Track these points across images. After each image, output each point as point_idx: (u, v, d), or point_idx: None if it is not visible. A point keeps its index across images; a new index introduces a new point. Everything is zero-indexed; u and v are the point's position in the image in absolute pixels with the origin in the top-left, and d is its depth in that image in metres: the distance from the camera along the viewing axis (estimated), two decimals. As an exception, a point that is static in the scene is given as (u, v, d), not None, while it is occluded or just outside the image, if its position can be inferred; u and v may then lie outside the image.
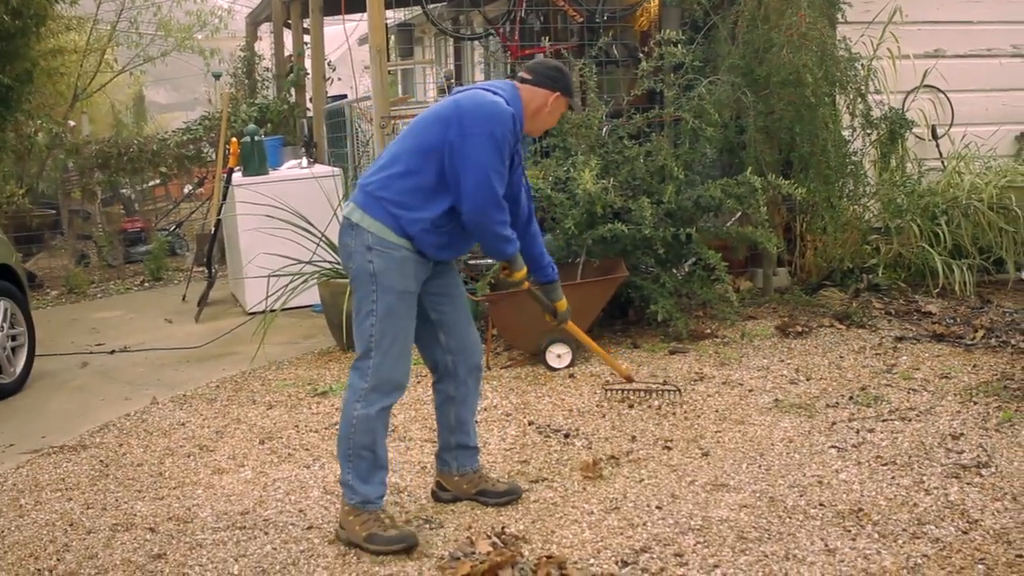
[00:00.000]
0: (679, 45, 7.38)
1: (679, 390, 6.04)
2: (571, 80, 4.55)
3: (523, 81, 4.46)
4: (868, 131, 8.11)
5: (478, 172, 4.15)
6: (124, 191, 14.49)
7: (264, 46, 15.40)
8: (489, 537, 4.32)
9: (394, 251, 4.22)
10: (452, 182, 4.20)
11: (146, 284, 12.04)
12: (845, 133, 7.94)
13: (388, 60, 9.78)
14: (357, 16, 12.48)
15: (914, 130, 8.43)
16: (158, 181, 14.72)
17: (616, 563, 4.05)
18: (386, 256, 4.22)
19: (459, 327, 4.62)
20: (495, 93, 4.31)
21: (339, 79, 12.73)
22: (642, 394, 6.09)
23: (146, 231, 13.95)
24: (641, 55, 8.24)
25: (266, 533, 4.61)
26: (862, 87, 7.93)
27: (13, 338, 7.48)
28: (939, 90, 8.97)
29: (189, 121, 13.91)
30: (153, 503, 5.09)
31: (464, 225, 4.29)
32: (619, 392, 6.14)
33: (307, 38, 12.65)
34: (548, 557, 4.04)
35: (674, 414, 5.81)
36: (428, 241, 4.27)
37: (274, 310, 7.60)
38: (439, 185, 4.22)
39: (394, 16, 13.98)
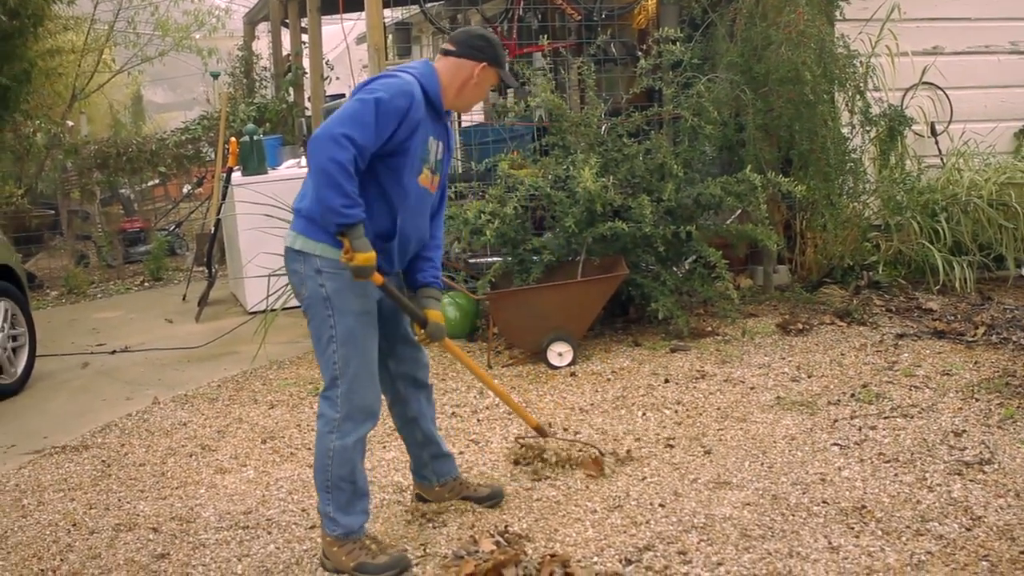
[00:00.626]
0: (678, 43, 7.38)
1: (600, 452, 5.10)
2: (500, 50, 4.24)
3: (447, 53, 4.20)
4: (867, 128, 8.10)
5: (343, 111, 3.86)
6: (123, 191, 14.48)
7: (262, 45, 15.40)
8: (492, 536, 4.31)
9: (344, 270, 3.94)
10: None
11: (146, 284, 12.03)
12: (844, 130, 7.94)
13: (387, 59, 9.76)
14: (355, 15, 12.48)
15: (913, 127, 8.44)
16: (157, 181, 14.72)
17: (620, 561, 4.04)
18: (337, 277, 3.98)
19: (405, 349, 4.43)
20: (403, 71, 4.09)
21: (337, 78, 12.71)
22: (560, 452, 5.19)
23: (145, 231, 13.94)
24: (639, 53, 8.25)
25: (269, 532, 4.62)
26: (861, 84, 7.93)
27: (14, 338, 7.48)
28: (938, 87, 8.97)
29: (188, 121, 13.90)
30: (156, 503, 5.09)
31: (401, 229, 4.06)
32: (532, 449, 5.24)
33: (305, 37, 12.64)
34: (552, 556, 4.03)
35: (676, 412, 5.82)
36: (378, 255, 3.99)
37: (275, 309, 7.60)
38: (365, 193, 3.91)
39: (392, 15, 13.98)
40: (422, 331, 4.33)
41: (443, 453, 4.67)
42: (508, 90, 8.78)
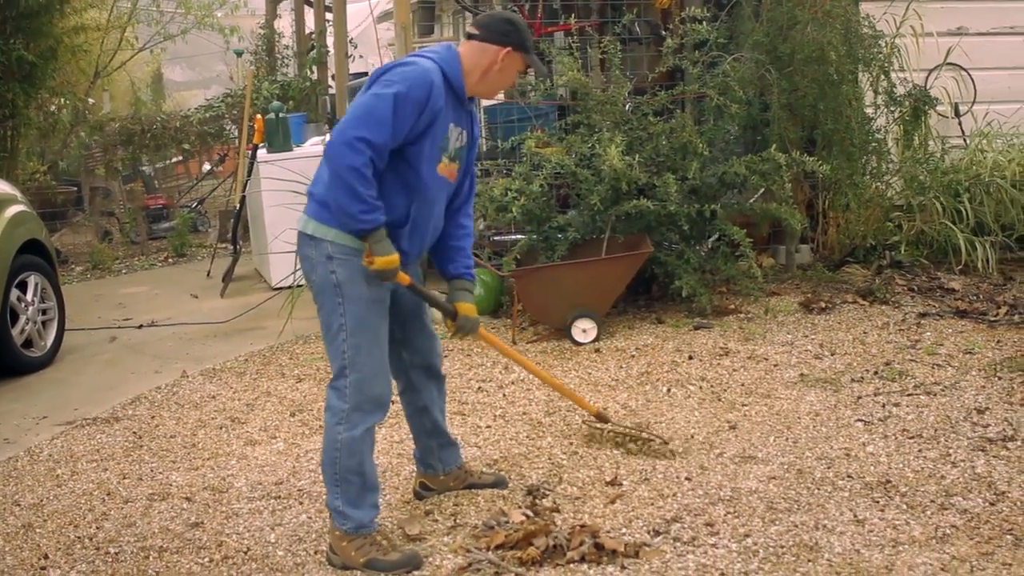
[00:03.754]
0: (704, 22, 7.41)
1: (666, 443, 5.07)
2: (527, 34, 4.10)
3: (471, 36, 4.08)
4: (892, 109, 8.12)
5: (360, 106, 3.81)
6: (143, 168, 14.57)
7: (283, 24, 15.44)
8: (520, 507, 4.38)
9: (355, 257, 3.89)
10: None
11: (170, 260, 12.14)
12: (868, 111, 7.96)
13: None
14: (369, -7, 12.52)
15: (937, 108, 8.45)
16: (179, 158, 14.82)
17: (648, 532, 4.11)
18: (348, 263, 3.90)
19: (420, 338, 4.39)
20: (424, 56, 3.99)
21: (360, 56, 12.76)
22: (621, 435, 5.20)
23: (168, 208, 14.04)
24: (664, 32, 8.27)
25: (300, 503, 4.69)
26: (885, 64, 7.95)
27: (44, 312, 7.58)
28: (962, 68, 8.97)
29: (211, 98, 13.97)
30: (188, 473, 5.17)
31: (414, 218, 3.99)
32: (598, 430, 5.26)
33: (328, 16, 12.68)
34: (582, 526, 4.10)
35: (700, 388, 5.87)
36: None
37: (300, 285, 7.66)
38: (379, 181, 3.85)
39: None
40: (452, 324, 4.29)
41: (450, 442, 4.63)
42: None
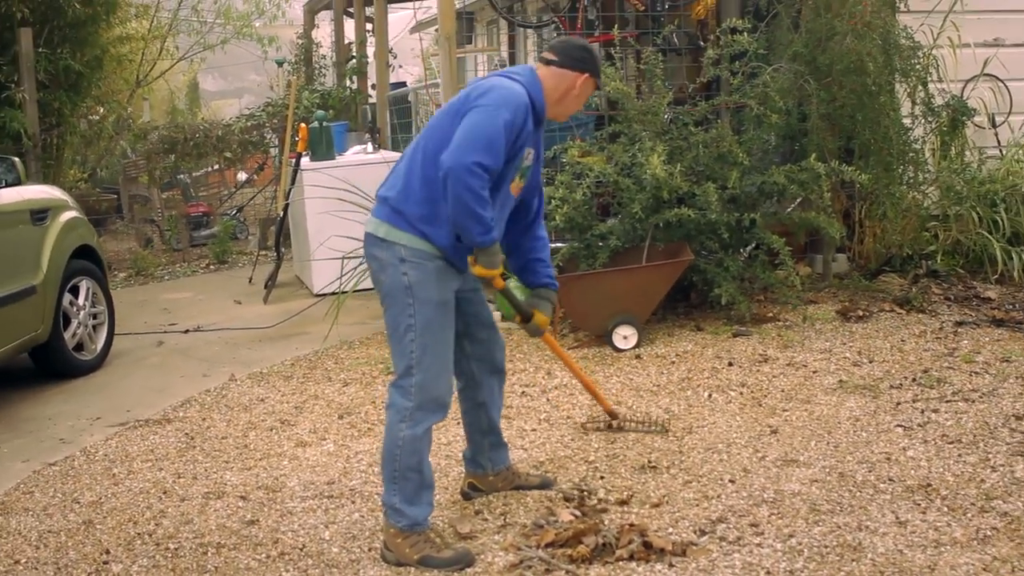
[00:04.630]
0: (744, 33, 7.50)
1: (666, 430, 5.46)
2: (599, 61, 4.36)
3: (548, 63, 4.25)
4: (929, 119, 8.19)
5: (473, 129, 3.94)
6: (180, 176, 14.77)
7: (321, 34, 15.62)
8: (568, 507, 4.49)
9: (428, 261, 4.06)
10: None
11: (211, 267, 12.29)
12: (905, 121, 8.03)
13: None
14: (410, 4, 12.69)
15: (974, 119, 8.51)
16: (217, 167, 15.01)
17: (694, 532, 4.21)
18: (421, 267, 4.05)
19: (482, 332, 4.51)
20: (512, 79, 4.14)
21: (400, 66, 12.91)
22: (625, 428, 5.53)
23: (209, 215, 14.22)
24: (701, 43, 8.36)
25: (353, 502, 4.82)
26: (923, 75, 8.02)
27: (94, 316, 7.73)
28: (998, 79, 9.03)
29: (252, 107, 14.15)
30: (241, 473, 5.31)
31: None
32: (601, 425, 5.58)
33: (369, 26, 12.85)
34: (630, 525, 4.21)
35: (741, 394, 5.97)
36: (461, 253, 4.13)
37: (346, 291, 7.79)
38: None
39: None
40: (522, 324, 4.53)
41: (501, 442, 4.74)
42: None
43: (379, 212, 4.18)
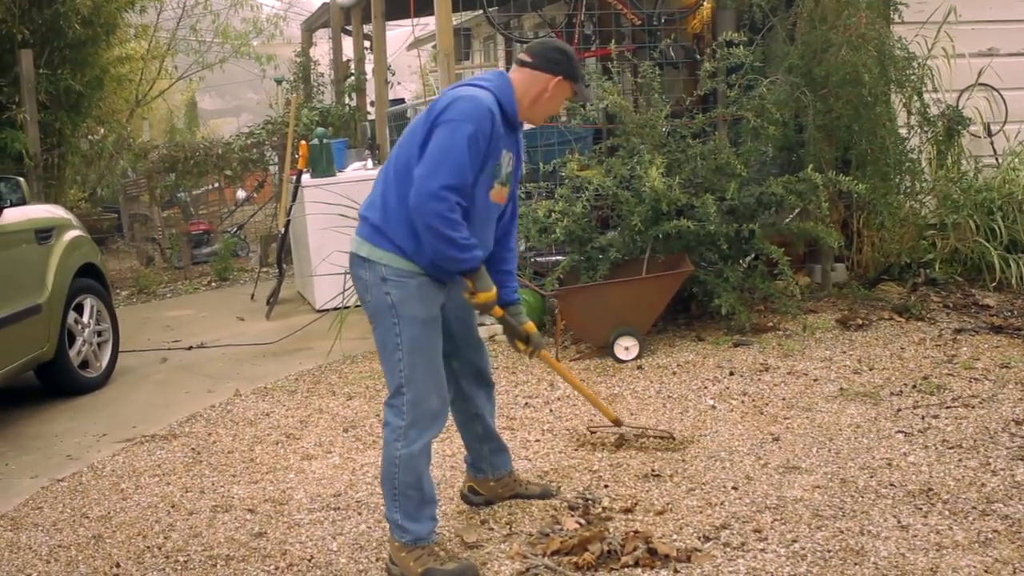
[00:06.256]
0: (740, 46, 7.57)
1: (672, 436, 5.50)
2: (576, 63, 4.22)
3: (523, 64, 4.19)
4: (925, 129, 8.26)
5: (434, 152, 3.89)
6: (180, 194, 14.83)
7: (319, 52, 15.69)
8: (573, 515, 4.54)
9: (410, 279, 4.02)
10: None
11: (213, 284, 12.34)
12: (901, 131, 8.09)
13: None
14: (408, 21, 12.74)
15: (970, 128, 8.57)
16: (217, 185, 15.07)
17: (698, 538, 4.26)
18: (403, 285, 4.02)
19: (467, 347, 4.50)
20: (478, 85, 4.07)
21: (399, 83, 12.98)
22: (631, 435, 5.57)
23: (210, 233, 14.28)
24: (698, 56, 8.44)
25: (359, 513, 4.85)
26: (918, 86, 8.09)
27: (99, 334, 7.78)
28: (993, 88, 9.10)
29: (251, 125, 14.22)
30: (248, 486, 5.35)
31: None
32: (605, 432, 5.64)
33: (367, 43, 12.91)
34: (635, 532, 4.25)
35: (742, 402, 6.02)
36: (442, 268, 4.05)
37: (347, 306, 7.84)
38: None
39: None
40: (525, 345, 4.48)
41: (501, 448, 4.76)
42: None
43: (361, 231, 4.15)
